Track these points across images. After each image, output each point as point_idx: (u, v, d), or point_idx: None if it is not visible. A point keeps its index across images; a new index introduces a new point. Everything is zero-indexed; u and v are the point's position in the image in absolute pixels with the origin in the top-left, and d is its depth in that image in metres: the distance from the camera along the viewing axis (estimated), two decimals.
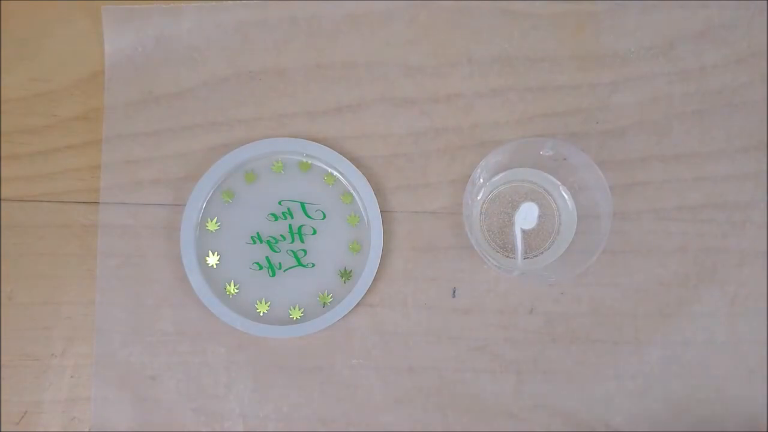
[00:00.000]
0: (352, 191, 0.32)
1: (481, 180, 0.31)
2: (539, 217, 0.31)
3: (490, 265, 0.30)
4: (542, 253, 0.32)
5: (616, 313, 0.32)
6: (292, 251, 0.32)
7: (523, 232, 0.30)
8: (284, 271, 0.32)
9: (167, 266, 0.32)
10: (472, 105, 0.33)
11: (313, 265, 0.32)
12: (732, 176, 0.32)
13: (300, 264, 0.32)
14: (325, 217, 0.32)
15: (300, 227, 0.32)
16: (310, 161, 0.33)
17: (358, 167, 0.32)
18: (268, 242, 0.32)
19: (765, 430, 0.32)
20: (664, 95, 0.32)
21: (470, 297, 0.32)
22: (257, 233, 0.32)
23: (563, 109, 0.32)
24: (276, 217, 0.32)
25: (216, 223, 0.32)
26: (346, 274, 0.32)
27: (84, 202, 0.33)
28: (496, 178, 0.32)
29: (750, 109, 0.32)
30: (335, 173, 0.32)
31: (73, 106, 0.33)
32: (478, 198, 0.32)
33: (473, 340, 0.32)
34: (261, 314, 0.32)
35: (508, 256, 0.32)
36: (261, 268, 0.32)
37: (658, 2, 0.33)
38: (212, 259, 0.32)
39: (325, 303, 0.32)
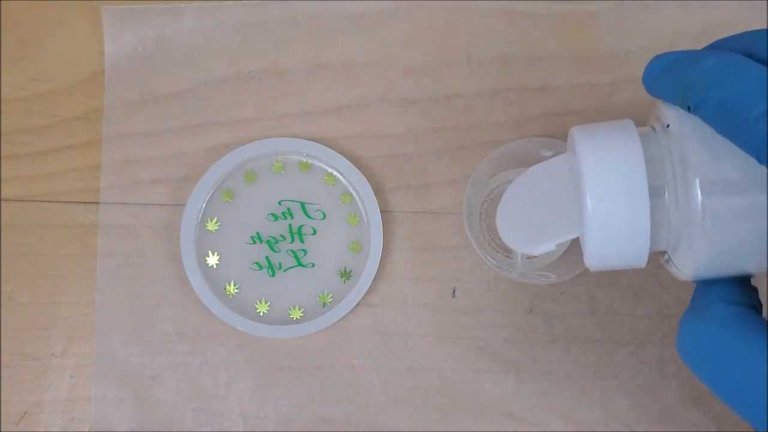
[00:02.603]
0: (352, 191, 0.32)
1: (481, 180, 0.31)
2: None
3: (490, 265, 0.30)
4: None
5: (616, 313, 0.32)
6: (292, 251, 0.32)
7: None
8: (284, 271, 0.32)
9: (167, 266, 0.32)
10: (472, 105, 0.33)
11: (313, 265, 0.32)
12: None
13: (300, 264, 0.32)
14: (325, 217, 0.32)
15: (300, 227, 0.32)
16: (310, 161, 0.33)
17: (358, 167, 0.32)
18: (268, 242, 0.32)
19: (765, 429, 0.32)
20: None
21: (470, 297, 0.32)
22: (257, 233, 0.32)
23: (563, 109, 0.32)
24: (276, 217, 0.32)
25: (216, 223, 0.32)
26: (346, 274, 0.32)
27: (84, 202, 0.33)
28: (496, 178, 0.32)
29: None
30: (335, 173, 0.32)
31: (73, 106, 0.33)
32: (478, 198, 0.32)
33: (473, 340, 0.32)
34: (261, 314, 0.32)
35: (508, 256, 0.32)
36: (261, 268, 0.32)
37: (658, 2, 0.33)
38: (212, 259, 0.32)
39: (325, 303, 0.32)
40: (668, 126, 0.21)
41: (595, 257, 0.22)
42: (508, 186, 0.26)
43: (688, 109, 0.20)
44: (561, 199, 0.23)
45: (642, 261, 0.22)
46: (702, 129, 0.20)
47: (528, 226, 0.25)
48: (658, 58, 0.22)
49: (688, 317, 0.21)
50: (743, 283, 0.21)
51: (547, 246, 0.24)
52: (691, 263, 0.21)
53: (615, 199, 0.21)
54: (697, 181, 0.20)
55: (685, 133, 0.20)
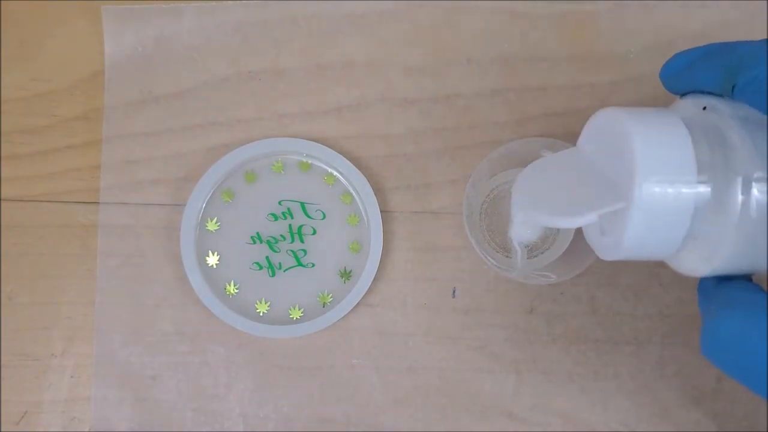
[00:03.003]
0: (352, 191, 0.32)
1: (481, 180, 0.31)
2: None
3: (490, 265, 0.30)
4: (542, 253, 0.32)
5: (616, 313, 0.32)
6: (292, 251, 0.32)
7: None
8: (284, 271, 0.32)
9: (167, 266, 0.32)
10: (472, 105, 0.33)
11: (313, 265, 0.32)
12: None
13: (300, 264, 0.32)
14: (325, 217, 0.32)
15: (300, 227, 0.32)
16: (310, 161, 0.33)
17: (358, 167, 0.32)
18: (268, 242, 0.32)
19: (765, 430, 0.32)
20: (664, 95, 0.32)
21: (470, 297, 0.32)
22: (257, 233, 0.32)
23: (563, 109, 0.32)
24: (276, 217, 0.32)
25: (216, 223, 0.32)
26: (346, 274, 0.32)
27: (84, 202, 0.33)
28: (496, 178, 0.32)
29: None
30: (335, 173, 0.32)
31: (73, 106, 0.33)
32: (478, 198, 0.32)
33: (473, 340, 0.32)
34: (261, 314, 0.32)
35: (508, 256, 0.32)
36: (261, 268, 0.32)
37: (658, 2, 0.33)
38: (212, 259, 0.32)
39: (325, 303, 0.32)
40: (705, 108, 0.21)
41: (633, 241, 0.21)
42: (531, 166, 0.25)
43: (732, 88, 0.20)
44: (590, 179, 0.23)
45: (672, 251, 0.22)
46: (742, 124, 0.20)
47: (564, 198, 0.24)
48: (681, 54, 0.22)
49: (725, 314, 0.20)
50: (749, 279, 0.22)
51: (588, 218, 0.22)
52: (715, 258, 0.21)
53: (663, 184, 0.20)
54: (740, 179, 0.20)
55: (727, 126, 0.20)
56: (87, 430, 0.32)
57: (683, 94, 0.23)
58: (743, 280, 0.21)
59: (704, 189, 0.21)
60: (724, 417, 0.31)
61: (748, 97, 0.19)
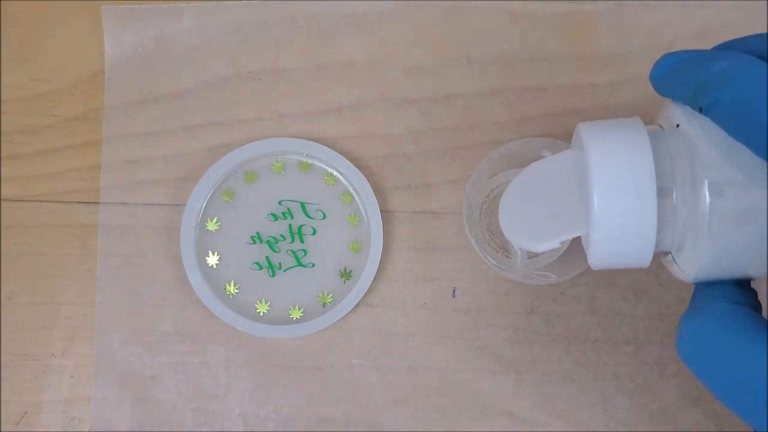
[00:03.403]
0: (352, 191, 0.32)
1: (481, 180, 0.31)
2: None
3: (490, 265, 0.30)
4: (542, 253, 0.32)
5: (616, 313, 0.32)
6: (292, 251, 0.32)
7: None
8: (284, 271, 0.32)
9: (167, 266, 0.32)
10: (472, 105, 0.33)
11: (313, 265, 0.32)
12: None
13: (300, 264, 0.32)
14: (325, 217, 0.32)
15: (300, 227, 0.32)
16: (310, 161, 0.33)
17: (358, 167, 0.32)
18: (268, 242, 0.32)
19: (765, 429, 0.32)
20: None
21: (470, 297, 0.32)
22: (257, 233, 0.32)
23: (563, 109, 0.32)
24: (276, 217, 0.32)
25: (216, 223, 0.32)
26: (346, 274, 0.32)
27: (84, 202, 0.33)
28: (496, 177, 0.32)
29: None
30: (335, 173, 0.32)
31: (73, 106, 0.33)
32: (478, 198, 0.32)
33: (473, 340, 0.32)
34: (261, 314, 0.32)
35: (508, 256, 0.32)
36: (261, 268, 0.32)
37: (658, 2, 0.33)
38: (212, 259, 0.32)
39: (325, 303, 0.32)
40: (678, 126, 0.21)
41: (599, 256, 0.22)
42: (512, 181, 0.25)
43: (700, 110, 0.20)
44: (566, 196, 0.23)
45: (646, 261, 0.22)
46: (712, 130, 0.20)
47: (532, 223, 0.24)
48: (667, 56, 0.22)
49: (689, 315, 0.21)
50: (743, 285, 0.21)
51: (551, 243, 0.23)
52: (694, 264, 0.21)
53: (622, 198, 0.21)
54: (706, 182, 0.20)
55: (695, 133, 0.20)
56: (87, 430, 0.32)
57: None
58: (728, 285, 0.21)
59: (668, 198, 0.21)
60: (723, 417, 0.31)
61: (713, 119, 0.19)
